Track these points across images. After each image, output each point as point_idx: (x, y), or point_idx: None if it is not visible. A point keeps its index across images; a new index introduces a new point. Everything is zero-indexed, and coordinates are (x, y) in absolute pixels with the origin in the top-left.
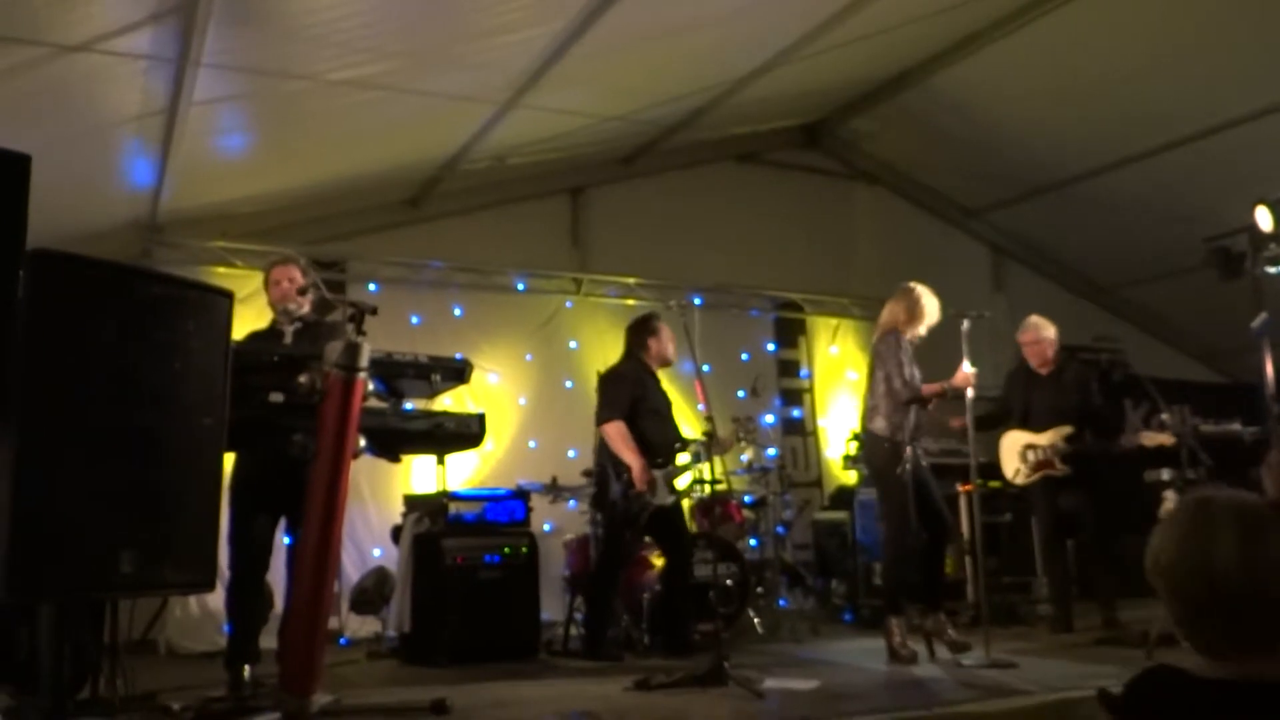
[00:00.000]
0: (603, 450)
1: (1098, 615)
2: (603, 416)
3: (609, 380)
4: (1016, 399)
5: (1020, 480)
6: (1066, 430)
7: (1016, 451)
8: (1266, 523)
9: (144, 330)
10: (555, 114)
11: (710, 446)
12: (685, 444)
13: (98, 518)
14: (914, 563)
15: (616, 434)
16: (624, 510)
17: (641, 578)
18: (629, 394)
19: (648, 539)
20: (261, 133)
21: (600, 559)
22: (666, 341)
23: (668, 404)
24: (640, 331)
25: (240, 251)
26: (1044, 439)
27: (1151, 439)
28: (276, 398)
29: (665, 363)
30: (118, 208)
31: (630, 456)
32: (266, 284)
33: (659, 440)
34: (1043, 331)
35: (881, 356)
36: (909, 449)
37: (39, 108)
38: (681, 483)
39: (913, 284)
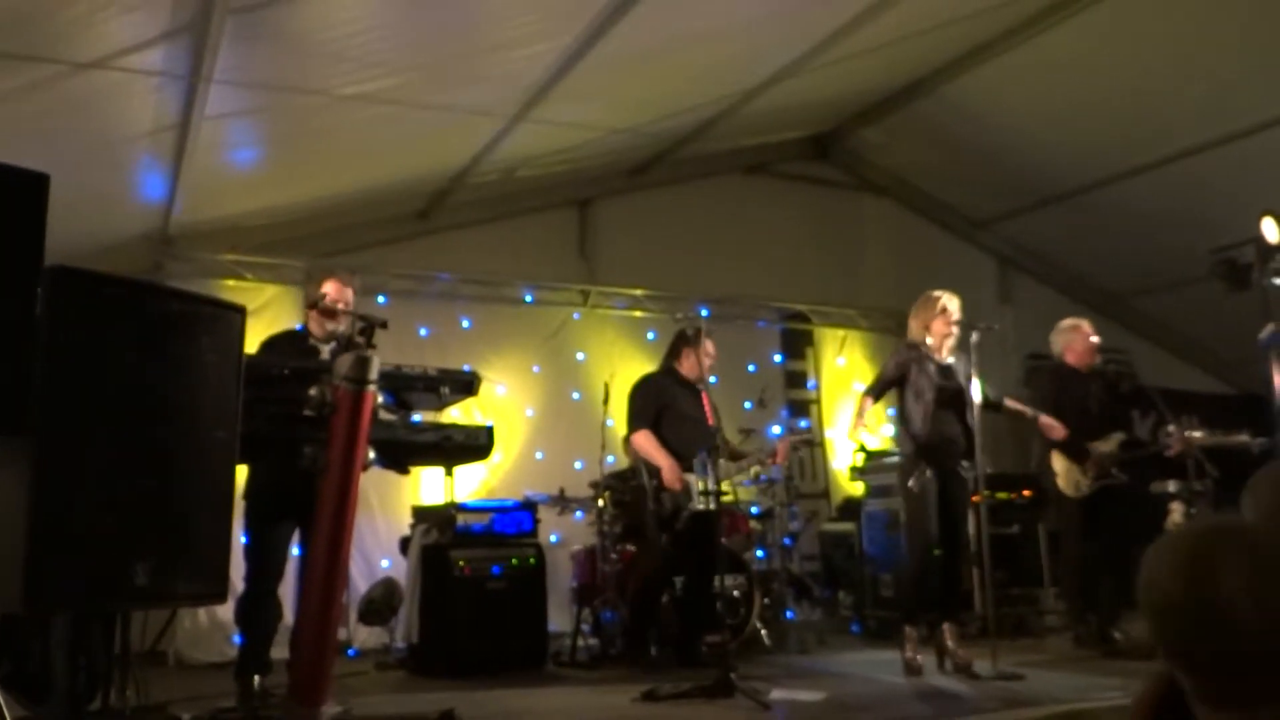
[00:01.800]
0: (639, 464)
1: (1100, 627)
2: (630, 429)
3: (633, 392)
4: (1071, 403)
5: (1084, 491)
6: (1121, 437)
7: (1076, 462)
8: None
9: (159, 345)
10: (564, 127)
11: (717, 455)
12: (732, 451)
13: (113, 530)
14: (930, 574)
15: (645, 441)
16: (656, 515)
17: None
18: (654, 403)
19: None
20: (272, 147)
21: (644, 568)
22: (702, 356)
23: (703, 412)
24: (679, 340)
25: (250, 264)
26: (1105, 446)
27: (1192, 440)
28: (310, 413)
29: (696, 377)
30: (130, 221)
31: (660, 458)
32: (313, 288)
33: (687, 446)
34: (1087, 326)
35: None
36: (923, 463)
37: (54, 124)
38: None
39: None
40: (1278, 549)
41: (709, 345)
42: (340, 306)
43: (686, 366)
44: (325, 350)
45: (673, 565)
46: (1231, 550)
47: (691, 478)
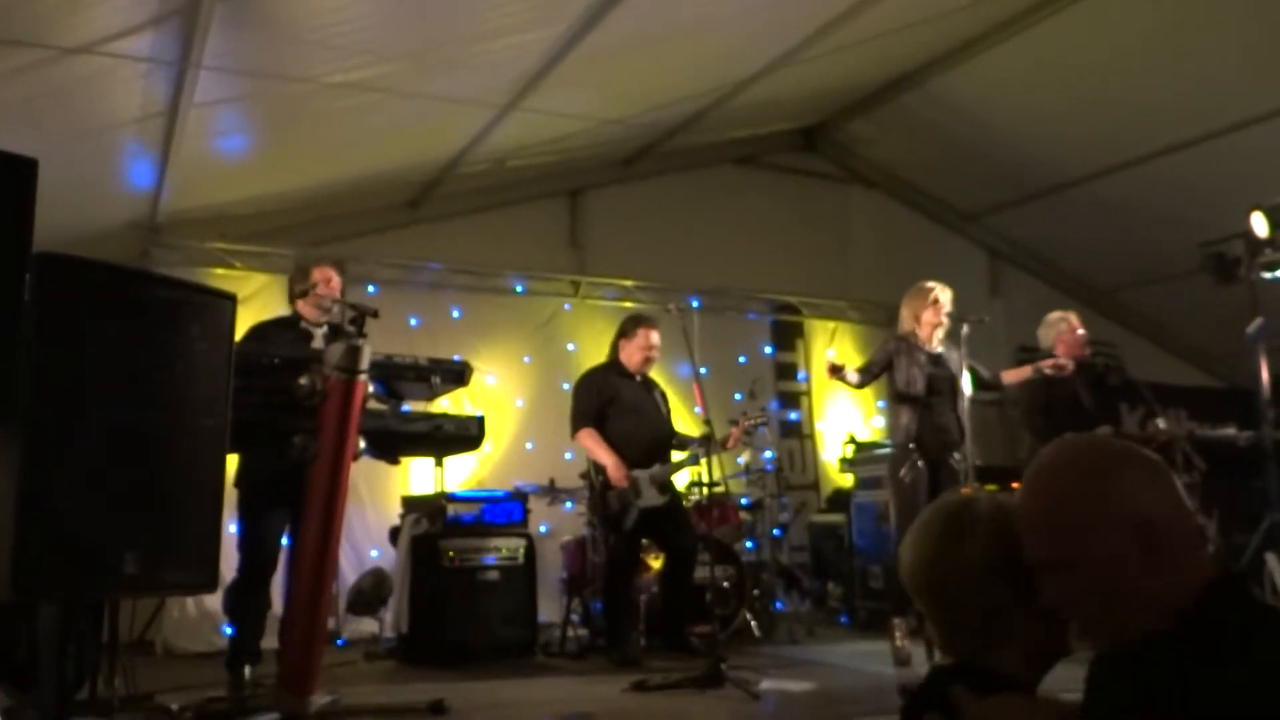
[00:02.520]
0: (589, 463)
1: None
2: (573, 428)
3: (573, 391)
4: (1059, 397)
5: None
6: (1108, 430)
7: None
8: (966, 529)
9: (148, 333)
10: (555, 117)
11: (708, 447)
12: (682, 441)
13: (102, 518)
14: None
15: (588, 439)
16: (603, 513)
17: (638, 580)
18: (594, 400)
19: (645, 541)
20: (261, 135)
21: (605, 563)
22: (635, 350)
23: (652, 403)
24: (617, 333)
25: (239, 253)
26: None
27: (1167, 432)
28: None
29: (634, 369)
30: (117, 209)
31: (604, 457)
32: (301, 278)
33: (633, 440)
34: (1076, 319)
35: None
36: (914, 453)
37: (41, 109)
38: (679, 480)
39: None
40: (964, 523)
41: (651, 336)
42: (334, 286)
43: (624, 358)
44: (318, 334)
45: (624, 562)
46: (933, 518)
47: (640, 474)
